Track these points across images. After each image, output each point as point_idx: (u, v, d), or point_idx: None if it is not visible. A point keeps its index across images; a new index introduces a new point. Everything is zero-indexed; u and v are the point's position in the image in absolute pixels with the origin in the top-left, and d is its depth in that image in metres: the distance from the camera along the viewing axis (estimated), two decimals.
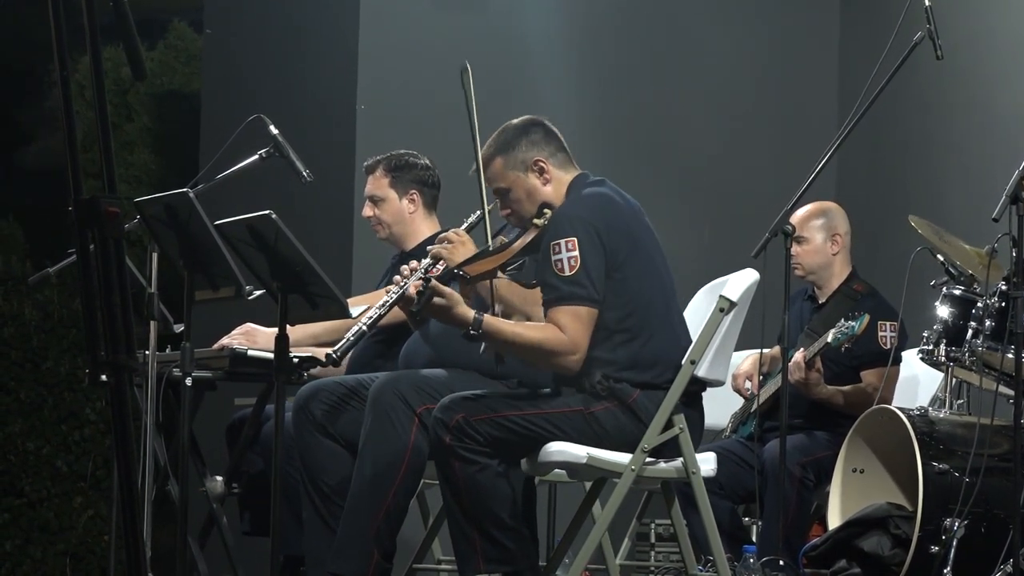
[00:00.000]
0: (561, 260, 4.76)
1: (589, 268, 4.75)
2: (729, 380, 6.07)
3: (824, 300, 6.36)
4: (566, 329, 4.74)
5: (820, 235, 6.33)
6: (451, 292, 4.72)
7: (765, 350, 6.34)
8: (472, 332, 4.72)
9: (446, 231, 5.90)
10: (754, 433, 6.22)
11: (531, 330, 4.78)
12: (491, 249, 4.99)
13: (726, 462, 5.98)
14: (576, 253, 4.75)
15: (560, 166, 4.97)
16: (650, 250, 4.91)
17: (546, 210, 4.91)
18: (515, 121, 5.04)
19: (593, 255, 4.76)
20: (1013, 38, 7.35)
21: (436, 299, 4.70)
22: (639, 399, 4.82)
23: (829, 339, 5.92)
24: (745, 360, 6.28)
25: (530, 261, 5.00)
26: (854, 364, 6.17)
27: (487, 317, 4.75)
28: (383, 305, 5.24)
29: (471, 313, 4.73)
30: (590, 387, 4.82)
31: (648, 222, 4.97)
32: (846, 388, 6.13)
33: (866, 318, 5.88)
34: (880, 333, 6.13)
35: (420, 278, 4.88)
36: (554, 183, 4.95)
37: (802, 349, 6.07)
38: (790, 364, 6.01)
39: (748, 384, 6.27)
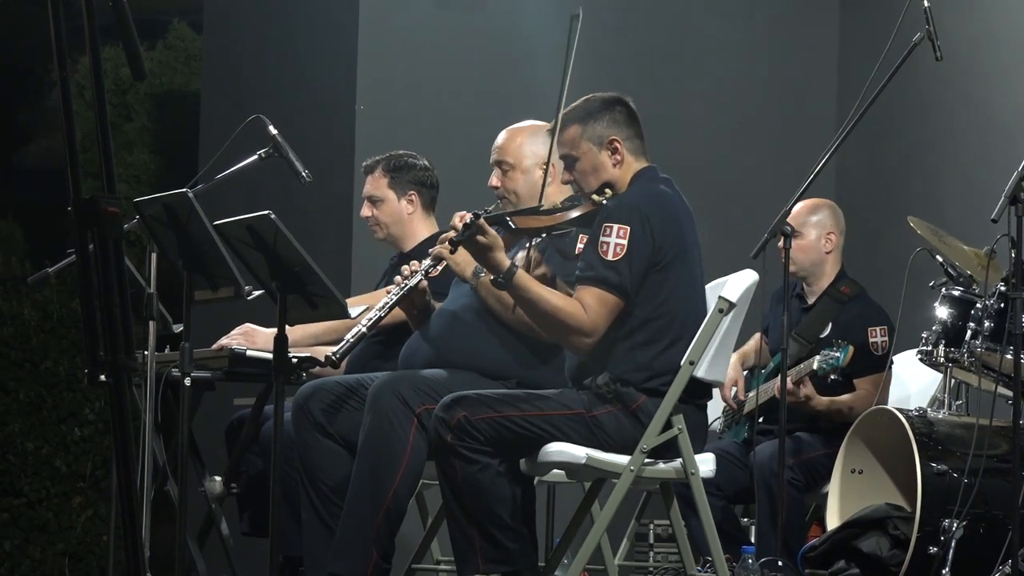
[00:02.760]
0: (608, 243, 4.77)
1: (632, 260, 4.77)
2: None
3: (812, 301, 6.34)
4: (589, 309, 4.76)
5: (814, 232, 6.29)
6: (495, 235, 4.75)
7: (744, 348, 6.30)
8: (500, 280, 4.75)
9: (447, 231, 5.93)
10: (748, 437, 6.22)
11: (556, 298, 4.79)
12: (543, 209, 4.98)
13: (722, 463, 5.97)
14: (625, 242, 4.77)
15: (633, 152, 4.97)
16: (694, 262, 4.93)
17: (607, 189, 4.91)
18: (602, 94, 5.03)
19: (640, 250, 4.78)
20: (1012, 39, 7.35)
21: (480, 237, 4.70)
22: (644, 405, 4.82)
23: (815, 367, 5.92)
24: (733, 369, 6.24)
25: (575, 234, 5.01)
26: (848, 372, 6.15)
27: (520, 271, 4.75)
28: (384, 307, 5.25)
29: (507, 261, 4.76)
30: (595, 388, 4.83)
31: (698, 235, 4.98)
32: (843, 398, 6.10)
33: (850, 350, 5.86)
34: (871, 339, 6.10)
35: (470, 213, 4.83)
36: (623, 166, 4.95)
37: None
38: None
39: (735, 390, 6.26)
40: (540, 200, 5.12)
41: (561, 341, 4.87)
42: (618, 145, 4.94)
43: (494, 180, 5.39)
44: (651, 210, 4.82)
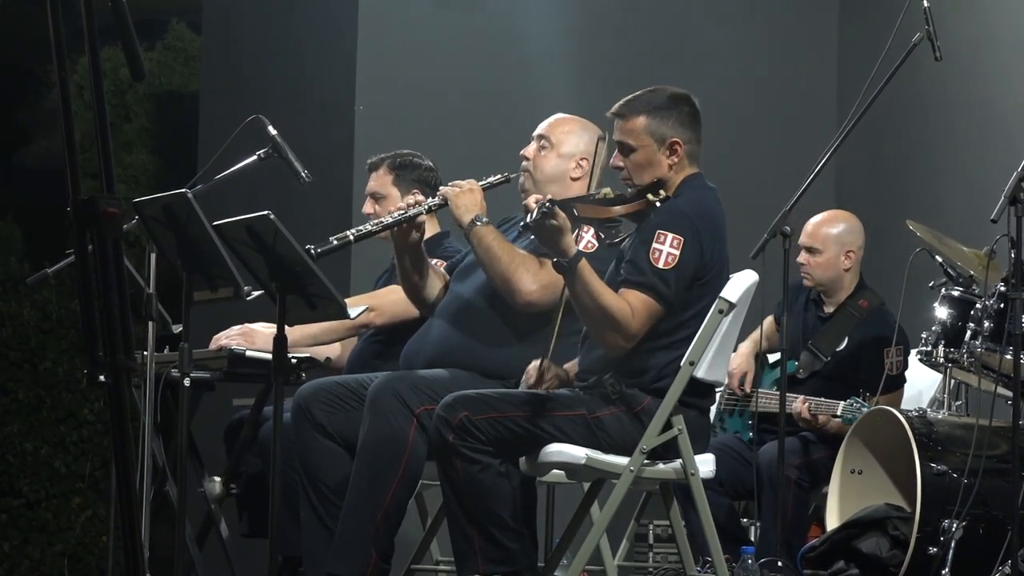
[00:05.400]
0: (661, 251, 4.77)
1: (680, 272, 4.77)
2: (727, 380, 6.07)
3: (831, 312, 6.31)
4: (636, 314, 4.75)
5: (834, 248, 6.26)
6: (566, 219, 4.70)
7: (754, 334, 6.28)
8: (564, 263, 4.71)
9: (445, 232, 5.93)
10: (753, 438, 6.21)
11: (610, 295, 4.76)
12: (596, 197, 4.96)
13: (726, 459, 5.98)
14: (677, 252, 4.76)
15: (688, 156, 4.94)
16: (725, 276, 4.92)
17: (661, 191, 4.88)
18: (672, 89, 5.01)
19: (689, 262, 4.78)
20: (1012, 39, 7.35)
21: (551, 220, 4.67)
22: (648, 407, 4.82)
23: (838, 412, 5.92)
24: (736, 356, 6.21)
25: (624, 225, 5.00)
26: (861, 391, 6.14)
27: (584, 260, 4.74)
28: (377, 224, 5.23)
29: (575, 248, 4.73)
30: (600, 388, 4.82)
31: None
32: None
33: (876, 400, 5.86)
34: (887, 360, 6.08)
35: (542, 203, 4.75)
36: (676, 168, 4.93)
37: (802, 398, 6.03)
38: (794, 413, 5.98)
39: (743, 380, 6.24)
40: (589, 190, 5.14)
41: (599, 336, 4.83)
42: (678, 148, 4.91)
43: (529, 151, 5.38)
44: (702, 224, 4.83)
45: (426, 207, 5.21)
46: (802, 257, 6.26)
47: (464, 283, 5.35)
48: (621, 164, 4.95)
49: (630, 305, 4.75)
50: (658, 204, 4.85)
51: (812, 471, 6.02)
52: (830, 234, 6.26)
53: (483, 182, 5.27)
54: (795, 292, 6.34)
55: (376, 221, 5.26)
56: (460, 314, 5.28)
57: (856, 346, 6.16)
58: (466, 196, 5.14)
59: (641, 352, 4.83)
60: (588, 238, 5.09)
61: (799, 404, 6.01)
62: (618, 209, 4.87)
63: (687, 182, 4.92)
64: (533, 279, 5.07)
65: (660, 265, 4.76)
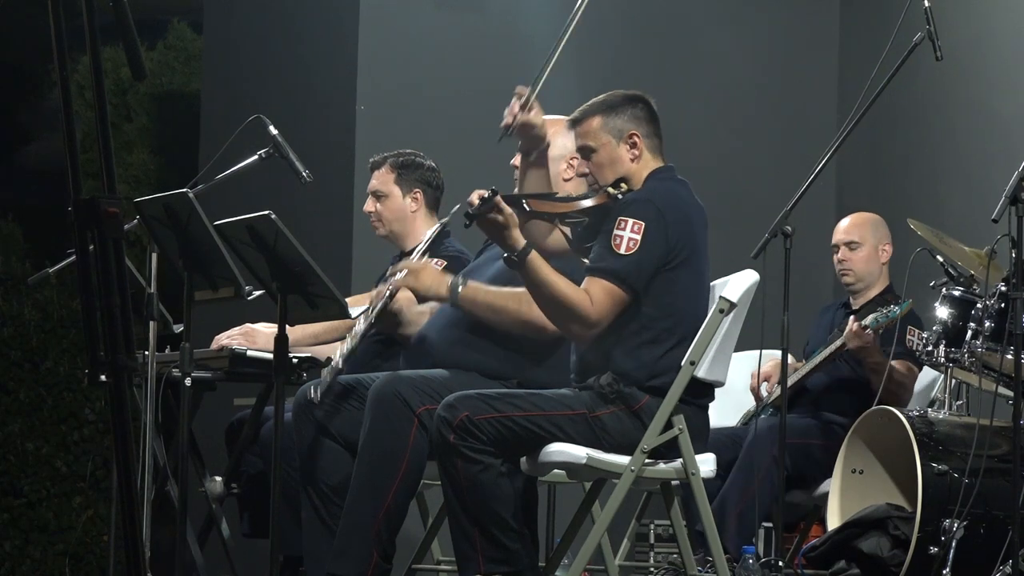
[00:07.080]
0: (621, 237, 4.76)
1: (643, 257, 4.76)
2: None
3: (858, 307, 6.36)
4: (595, 301, 4.75)
5: (872, 239, 6.36)
6: (511, 214, 4.69)
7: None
8: (514, 258, 4.72)
9: (446, 231, 5.93)
10: (756, 412, 6.25)
11: (565, 285, 4.76)
12: (558, 196, 4.96)
13: (717, 435, 6.00)
14: (638, 237, 4.76)
15: (651, 149, 4.95)
16: (703, 264, 4.92)
17: (623, 184, 4.90)
18: (624, 91, 5.03)
19: (652, 247, 4.77)
20: (1013, 39, 7.36)
21: (495, 215, 4.67)
22: (647, 405, 4.82)
23: (867, 321, 5.96)
24: (769, 362, 6.23)
25: (589, 224, 4.99)
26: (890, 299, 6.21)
27: (534, 253, 4.73)
28: (355, 335, 5.26)
29: (523, 241, 4.72)
30: (598, 387, 4.82)
31: (707, 237, 4.97)
32: (894, 362, 6.07)
33: (910, 302, 5.92)
34: (909, 337, 6.11)
35: (481, 196, 4.77)
36: (640, 162, 4.93)
37: (852, 318, 6.09)
38: (847, 333, 6.00)
39: (764, 386, 6.26)
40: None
41: (563, 328, 4.86)
42: (637, 140, 4.93)
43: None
44: (666, 208, 4.82)
45: (387, 294, 5.24)
46: (841, 254, 6.36)
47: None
48: (586, 170, 4.97)
49: (590, 293, 4.76)
50: (620, 197, 4.86)
51: (796, 455, 5.95)
52: (867, 228, 6.38)
53: (420, 247, 5.48)
54: (822, 312, 6.45)
55: (352, 334, 5.28)
56: (460, 316, 5.28)
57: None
58: (424, 276, 5.14)
59: (627, 347, 4.83)
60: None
61: (852, 323, 6.03)
62: (576, 204, 4.87)
63: (653, 175, 4.94)
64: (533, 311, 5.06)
65: (621, 250, 4.76)
